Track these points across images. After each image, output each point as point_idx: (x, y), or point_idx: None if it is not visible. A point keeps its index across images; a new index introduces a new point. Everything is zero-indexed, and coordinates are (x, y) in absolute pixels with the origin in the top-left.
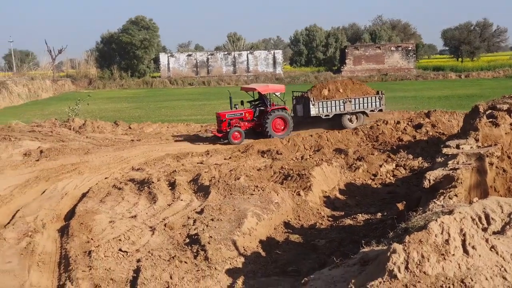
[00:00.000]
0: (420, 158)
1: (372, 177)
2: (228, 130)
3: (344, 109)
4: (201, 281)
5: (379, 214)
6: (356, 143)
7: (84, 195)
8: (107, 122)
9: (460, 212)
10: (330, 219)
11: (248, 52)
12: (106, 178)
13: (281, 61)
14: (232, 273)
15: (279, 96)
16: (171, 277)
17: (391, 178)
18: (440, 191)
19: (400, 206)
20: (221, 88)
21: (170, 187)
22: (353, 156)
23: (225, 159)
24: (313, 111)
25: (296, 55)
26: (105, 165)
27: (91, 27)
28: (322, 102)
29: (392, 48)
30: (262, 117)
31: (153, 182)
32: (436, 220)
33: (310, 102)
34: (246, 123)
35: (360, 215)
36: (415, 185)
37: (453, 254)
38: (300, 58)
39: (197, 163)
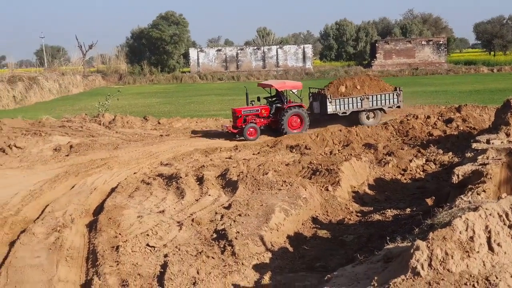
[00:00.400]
0: (450, 153)
1: (402, 172)
2: (244, 126)
3: (362, 106)
4: (228, 277)
5: (408, 209)
6: (386, 138)
7: (113, 190)
8: (136, 117)
9: (486, 209)
10: (358, 214)
11: (278, 46)
12: (135, 173)
13: (310, 56)
14: (259, 268)
15: (295, 93)
16: (198, 272)
17: (421, 173)
18: (469, 186)
19: (429, 201)
20: (250, 83)
21: (198, 182)
22: (382, 151)
23: (253, 154)
24: (330, 109)
25: (326, 50)
26: (134, 160)
27: (121, 22)
28: (339, 99)
29: (423, 42)
30: (278, 114)
31: (181, 177)
32: (461, 216)
33: (327, 99)
34: (262, 120)
35: (389, 210)
36: (445, 180)
37: (478, 251)
38: (330, 52)
39: (226, 158)
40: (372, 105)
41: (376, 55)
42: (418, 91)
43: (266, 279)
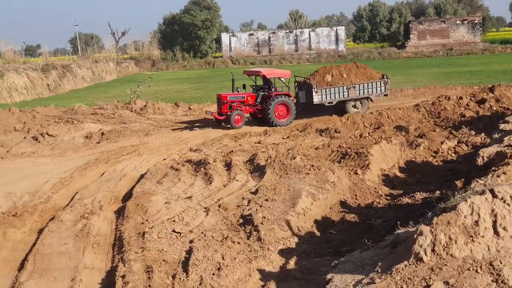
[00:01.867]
0: (482, 134)
1: (433, 154)
2: (229, 113)
3: (348, 96)
4: (253, 262)
5: (438, 192)
6: (418, 119)
7: (142, 176)
8: (168, 104)
9: (498, 191)
10: (388, 198)
11: (310, 29)
12: (164, 159)
13: (343, 38)
14: (285, 253)
15: (283, 81)
16: (223, 258)
17: (453, 155)
18: (492, 168)
19: (459, 183)
20: (283, 66)
21: (226, 168)
22: (414, 133)
23: (283, 138)
24: (316, 99)
25: (359, 31)
26: (164, 146)
27: (153, 9)
28: (325, 89)
29: (458, 22)
30: (265, 103)
31: (209, 163)
32: (466, 200)
33: (313, 89)
34: (248, 108)
35: (418, 193)
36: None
37: (483, 236)
38: (363, 34)
39: (255, 143)
40: (359, 94)
41: (410, 36)
42: (452, 72)
43: (292, 264)
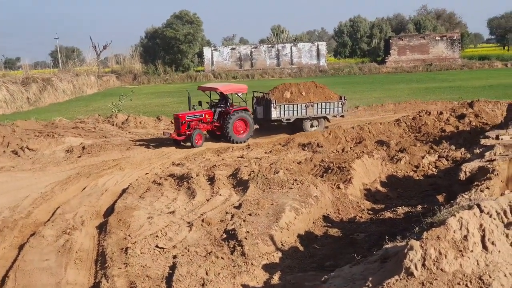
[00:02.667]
0: (462, 149)
1: (414, 169)
2: (188, 132)
3: (306, 114)
4: (237, 277)
5: (420, 206)
6: (399, 134)
7: (124, 191)
8: (150, 117)
9: (484, 206)
10: (370, 212)
11: (292, 44)
12: (146, 173)
13: (325, 53)
14: (269, 268)
15: (241, 96)
16: (207, 273)
17: (434, 169)
18: (475, 183)
19: (441, 198)
20: (265, 81)
21: (209, 182)
22: (395, 148)
23: (265, 152)
24: (274, 114)
25: (340, 47)
26: (146, 161)
27: (135, 22)
28: (284, 105)
29: (437, 38)
30: (222, 119)
31: (192, 177)
32: (455, 215)
33: (272, 104)
34: (206, 125)
35: (400, 207)
36: (456, 176)
37: (472, 251)
38: (344, 49)
39: (238, 157)
40: (317, 113)
41: (390, 51)
42: (432, 87)
43: (276, 279)
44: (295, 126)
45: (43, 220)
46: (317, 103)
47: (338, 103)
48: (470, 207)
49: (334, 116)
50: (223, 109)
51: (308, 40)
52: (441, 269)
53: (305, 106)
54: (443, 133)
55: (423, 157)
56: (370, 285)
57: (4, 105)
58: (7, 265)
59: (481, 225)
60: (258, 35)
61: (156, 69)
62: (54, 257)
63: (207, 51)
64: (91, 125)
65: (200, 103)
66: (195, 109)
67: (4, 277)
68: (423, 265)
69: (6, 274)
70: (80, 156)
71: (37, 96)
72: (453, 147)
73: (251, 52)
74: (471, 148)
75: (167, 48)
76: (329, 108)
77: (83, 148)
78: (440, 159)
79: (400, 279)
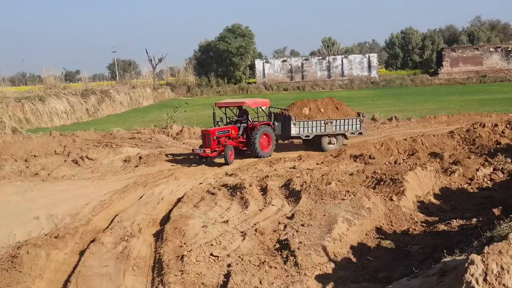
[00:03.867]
0: None
1: (469, 181)
2: (218, 148)
3: (325, 131)
4: (290, 287)
5: (475, 219)
6: (452, 146)
7: (179, 200)
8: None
9: None
10: (423, 224)
11: (343, 56)
12: (200, 183)
13: (376, 65)
14: (322, 279)
15: (264, 110)
16: (260, 282)
17: (488, 182)
18: None
19: (497, 211)
20: (316, 93)
21: (261, 192)
22: (448, 160)
23: (317, 164)
24: (294, 131)
25: (391, 58)
26: (199, 171)
27: (189, 36)
28: (304, 121)
29: (491, 49)
30: (246, 134)
31: (245, 187)
32: None
33: (291, 121)
34: (231, 141)
35: (454, 220)
36: None
37: None
38: (395, 61)
39: (290, 168)
40: (335, 130)
41: (443, 63)
42: (486, 99)
43: None
44: (312, 143)
45: (102, 227)
46: (336, 120)
47: (356, 120)
48: None
49: (352, 133)
50: (246, 124)
51: (359, 52)
52: (503, 284)
53: (324, 123)
54: (498, 146)
55: (477, 170)
56: None
57: (65, 116)
58: (69, 270)
59: None
60: (309, 47)
61: (209, 81)
62: (113, 263)
63: (258, 64)
64: (147, 136)
65: (222, 119)
66: (219, 125)
67: (66, 282)
68: (485, 280)
69: (68, 279)
70: (137, 166)
71: (96, 107)
72: (509, 159)
73: (302, 64)
74: None
75: (220, 60)
76: (348, 125)
77: (140, 158)
78: (495, 171)
79: None
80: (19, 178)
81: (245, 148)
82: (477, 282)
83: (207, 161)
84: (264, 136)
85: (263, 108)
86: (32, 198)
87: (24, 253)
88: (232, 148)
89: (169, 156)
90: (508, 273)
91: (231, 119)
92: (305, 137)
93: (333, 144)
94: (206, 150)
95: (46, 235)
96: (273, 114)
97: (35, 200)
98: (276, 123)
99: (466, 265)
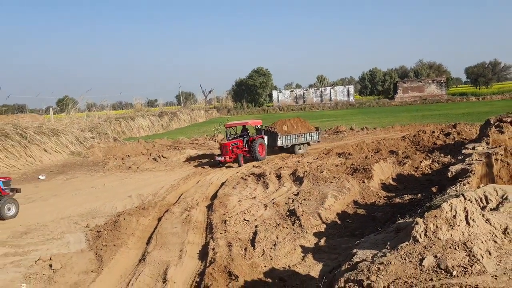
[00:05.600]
0: (449, 156)
1: (415, 170)
2: (230, 156)
3: (297, 141)
4: (297, 240)
5: (419, 195)
6: (404, 146)
7: (223, 184)
8: None
9: (466, 195)
10: (385, 198)
11: (330, 87)
12: (236, 173)
13: (353, 93)
14: (318, 235)
15: (259, 127)
16: (277, 237)
17: (429, 170)
18: (459, 179)
19: (434, 189)
20: (312, 112)
21: (277, 178)
22: (401, 155)
23: (314, 159)
24: (279, 142)
25: (363, 88)
26: (234, 165)
27: (229, 75)
28: (286, 135)
29: (430, 81)
30: (248, 144)
31: (266, 175)
32: (447, 201)
33: (278, 135)
34: (239, 150)
35: (406, 195)
36: (444, 175)
37: (459, 225)
38: (365, 90)
39: (295, 162)
40: (304, 140)
41: (397, 91)
42: (427, 115)
43: (322, 242)
44: (286, 149)
45: (173, 202)
46: (304, 133)
47: (316, 133)
48: (457, 196)
49: (314, 142)
50: (247, 138)
51: (342, 84)
52: (438, 238)
53: (297, 136)
54: (435, 145)
55: (421, 162)
56: (389, 247)
57: (147, 129)
58: (151, 230)
59: (465, 208)
60: (308, 81)
61: (241, 105)
62: (180, 225)
63: (274, 93)
64: (202, 142)
65: (230, 134)
66: (230, 139)
67: (149, 238)
68: (425, 234)
69: (151, 236)
70: (195, 161)
71: (168, 123)
72: (442, 154)
73: (303, 93)
74: (455, 155)
75: (249, 91)
76: (311, 136)
77: (197, 156)
78: (433, 163)
79: (409, 244)
80: (118, 170)
81: (248, 155)
82: (420, 236)
83: (223, 165)
84: (260, 146)
85: (258, 126)
86: (127, 183)
87: (122, 219)
88: (242, 155)
89: (215, 155)
90: (440, 230)
91: (236, 135)
92: (286, 146)
93: (301, 149)
94: (226, 157)
95: (136, 207)
96: (262, 131)
97: (129, 185)
98: (265, 137)
99: (413, 225)
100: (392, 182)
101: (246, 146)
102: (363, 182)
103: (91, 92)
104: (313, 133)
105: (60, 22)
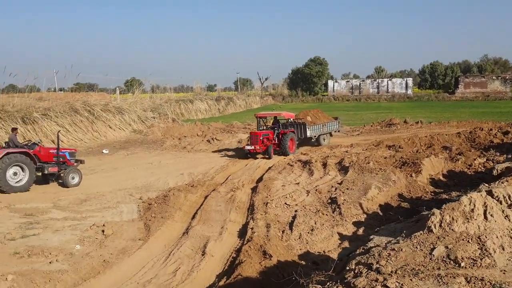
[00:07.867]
0: (505, 155)
1: (468, 167)
2: (261, 146)
3: (323, 131)
4: (335, 228)
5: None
6: (458, 143)
7: (269, 168)
8: None
9: (492, 191)
10: (432, 194)
11: (388, 79)
12: (284, 158)
13: (411, 85)
14: (357, 224)
15: (291, 120)
16: (315, 223)
17: (482, 168)
18: (503, 177)
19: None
20: (368, 104)
21: (323, 166)
22: (455, 152)
23: (363, 150)
24: (309, 133)
25: (422, 81)
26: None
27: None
28: (314, 126)
29: (494, 78)
30: (278, 138)
31: (312, 162)
32: (467, 195)
33: (306, 126)
34: (269, 142)
35: (454, 192)
36: None
37: (475, 219)
38: (425, 83)
39: (343, 151)
40: (328, 130)
41: (459, 85)
42: (487, 111)
43: (360, 231)
44: (308, 142)
45: (220, 182)
46: (327, 123)
47: (336, 122)
48: (479, 191)
49: (335, 131)
50: (278, 131)
51: (400, 76)
52: (452, 229)
53: (322, 126)
54: (491, 143)
55: (475, 159)
56: (404, 235)
57: (204, 113)
58: (197, 206)
59: (484, 203)
60: (366, 72)
61: (296, 94)
62: (224, 204)
63: (330, 82)
64: (254, 127)
65: (260, 125)
66: (261, 130)
67: (194, 213)
68: (440, 225)
69: (196, 211)
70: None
71: (224, 108)
72: (498, 153)
73: (360, 84)
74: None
75: (304, 80)
76: (333, 126)
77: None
78: (487, 161)
79: (423, 233)
80: (174, 149)
81: (278, 148)
82: (434, 226)
83: (253, 155)
84: (291, 141)
85: (291, 119)
86: (181, 162)
87: (171, 194)
88: (272, 147)
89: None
90: (456, 222)
91: (266, 126)
92: (314, 136)
93: (325, 140)
94: (256, 147)
95: (186, 184)
96: (288, 125)
97: (182, 163)
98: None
99: (429, 216)
100: (442, 178)
101: (276, 139)
102: (411, 176)
103: (156, 74)
104: (334, 123)
105: (129, 13)
